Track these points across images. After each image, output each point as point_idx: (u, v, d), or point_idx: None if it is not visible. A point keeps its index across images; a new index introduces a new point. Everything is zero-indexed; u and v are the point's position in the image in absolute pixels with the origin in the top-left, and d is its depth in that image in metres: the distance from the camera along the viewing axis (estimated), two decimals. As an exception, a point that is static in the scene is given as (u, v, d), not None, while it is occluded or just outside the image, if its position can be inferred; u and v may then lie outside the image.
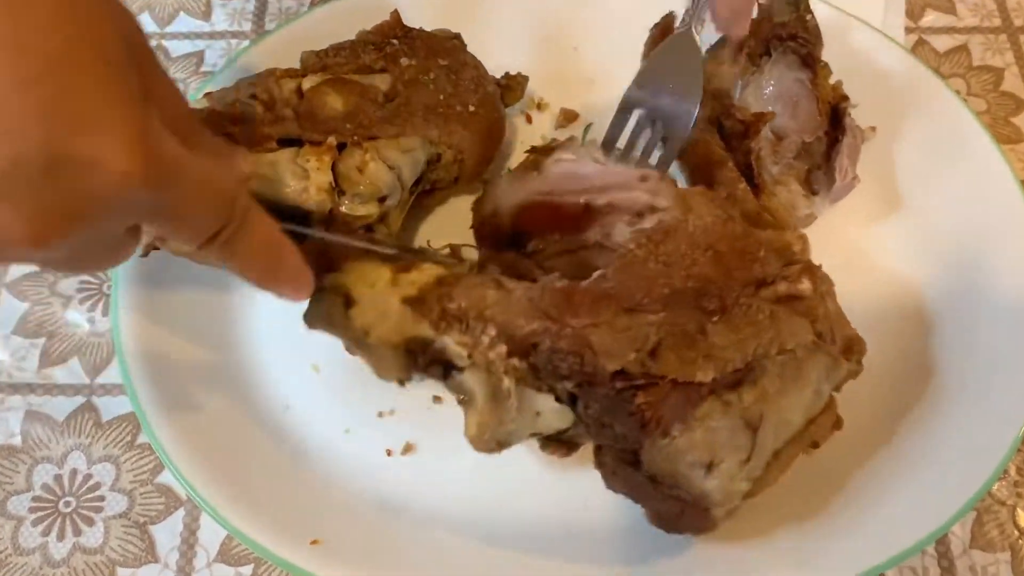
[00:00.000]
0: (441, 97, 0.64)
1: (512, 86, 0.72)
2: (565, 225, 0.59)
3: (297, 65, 0.64)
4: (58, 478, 0.63)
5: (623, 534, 0.57)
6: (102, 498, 0.62)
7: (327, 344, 0.60)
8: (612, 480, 0.52)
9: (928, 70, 0.71)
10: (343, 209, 0.59)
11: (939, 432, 0.58)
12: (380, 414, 0.62)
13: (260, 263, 0.44)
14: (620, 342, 0.47)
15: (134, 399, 0.59)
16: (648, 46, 0.68)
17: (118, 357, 0.60)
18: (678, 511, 0.50)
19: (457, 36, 0.69)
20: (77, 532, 0.61)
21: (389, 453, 0.62)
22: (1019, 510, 0.62)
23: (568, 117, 0.76)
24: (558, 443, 0.53)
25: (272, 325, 0.66)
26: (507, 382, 0.49)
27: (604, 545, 0.57)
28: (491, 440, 0.50)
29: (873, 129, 0.70)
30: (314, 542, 0.55)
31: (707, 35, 0.64)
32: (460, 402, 0.51)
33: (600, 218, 0.58)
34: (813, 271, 0.53)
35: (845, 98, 0.66)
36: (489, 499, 0.59)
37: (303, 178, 0.58)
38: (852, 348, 0.53)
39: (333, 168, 0.58)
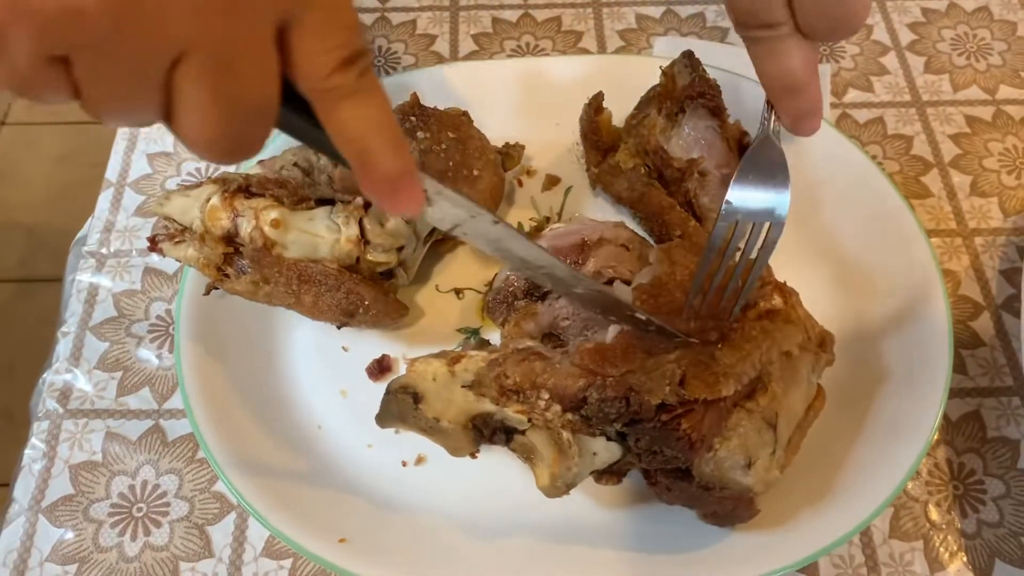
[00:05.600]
0: (451, 164, 0.68)
1: (512, 154, 0.77)
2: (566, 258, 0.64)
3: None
4: (132, 488, 0.67)
5: (616, 522, 0.61)
6: (168, 504, 0.66)
7: (354, 373, 0.70)
8: (667, 495, 0.55)
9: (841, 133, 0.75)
10: (368, 256, 0.64)
11: (860, 447, 0.62)
12: (397, 431, 0.64)
13: (373, 135, 0.37)
14: (654, 380, 0.50)
15: (193, 422, 0.63)
16: (583, 122, 0.75)
17: (180, 387, 0.65)
18: (731, 508, 0.53)
19: (465, 113, 0.74)
20: (147, 533, 0.65)
21: (404, 464, 0.65)
22: (930, 506, 0.65)
23: (551, 181, 0.80)
24: (610, 474, 0.56)
25: (308, 357, 0.70)
26: (566, 434, 0.52)
27: (601, 533, 0.60)
28: (562, 485, 0.53)
29: None
30: (341, 540, 0.59)
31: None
32: (526, 460, 0.54)
33: (594, 250, 0.63)
34: (781, 288, 0.57)
35: (745, 134, 0.72)
36: (491, 502, 0.62)
37: (336, 231, 0.63)
38: (825, 341, 0.57)
39: (360, 223, 0.63)
